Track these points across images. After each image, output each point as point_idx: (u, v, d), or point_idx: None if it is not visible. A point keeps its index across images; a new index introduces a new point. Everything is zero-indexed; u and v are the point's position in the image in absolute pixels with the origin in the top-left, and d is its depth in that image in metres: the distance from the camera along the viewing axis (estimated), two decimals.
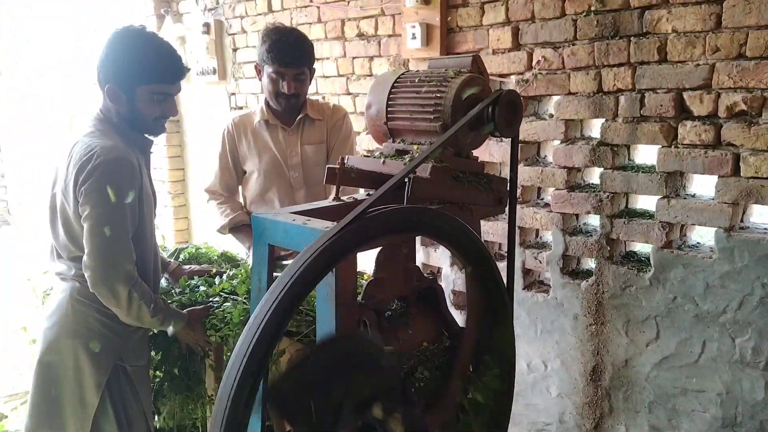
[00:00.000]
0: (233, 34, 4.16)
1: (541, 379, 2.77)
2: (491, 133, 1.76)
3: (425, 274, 1.85)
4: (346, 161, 1.84)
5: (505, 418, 1.84)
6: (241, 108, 4.23)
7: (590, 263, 2.66)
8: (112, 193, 1.87)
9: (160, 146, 4.93)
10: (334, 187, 1.75)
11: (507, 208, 1.94)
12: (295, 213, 1.64)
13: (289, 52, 2.48)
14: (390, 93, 1.86)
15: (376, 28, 3.17)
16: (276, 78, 2.55)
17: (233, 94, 4.29)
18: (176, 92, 2.07)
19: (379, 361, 1.36)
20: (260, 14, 3.89)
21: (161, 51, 1.99)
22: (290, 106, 2.64)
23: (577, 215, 2.64)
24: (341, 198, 1.79)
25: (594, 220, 2.65)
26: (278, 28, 2.56)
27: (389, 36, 3.12)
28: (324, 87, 3.52)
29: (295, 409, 1.21)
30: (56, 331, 2.04)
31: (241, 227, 2.71)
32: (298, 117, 2.68)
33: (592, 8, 2.33)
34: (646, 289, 2.36)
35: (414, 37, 2.85)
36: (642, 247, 2.51)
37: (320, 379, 1.22)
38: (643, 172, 2.32)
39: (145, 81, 1.97)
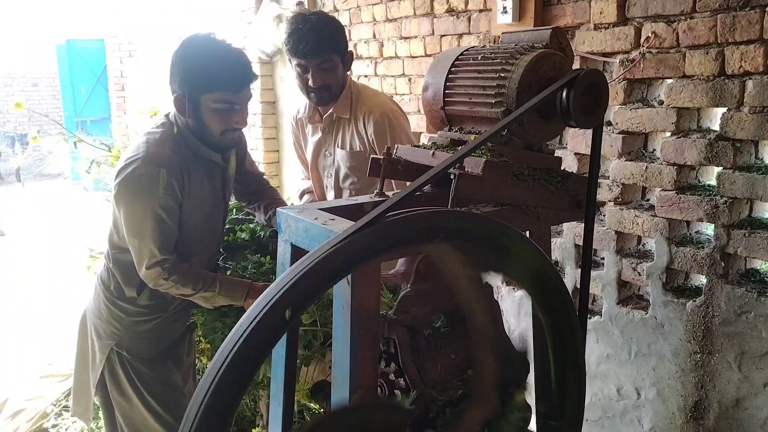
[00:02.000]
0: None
1: (632, 408, 2.39)
2: (567, 122, 1.44)
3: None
4: (394, 151, 1.60)
5: None
6: None
7: (700, 280, 2.24)
8: (135, 205, 1.88)
9: (255, 127, 4.92)
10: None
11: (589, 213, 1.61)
12: (323, 209, 1.42)
13: (306, 41, 2.18)
14: (449, 73, 1.59)
15: (467, 3, 2.87)
16: (301, 71, 2.29)
17: None
18: (243, 102, 1.95)
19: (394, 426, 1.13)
20: None
21: (226, 57, 1.89)
22: (321, 100, 2.35)
23: (687, 222, 2.22)
24: (385, 193, 1.55)
25: (707, 229, 2.22)
26: (297, 14, 2.28)
27: (480, 11, 2.81)
28: (410, 68, 3.27)
29: None
30: (87, 301, 2.20)
31: None
32: (327, 113, 2.42)
33: None
34: None
35: (505, 11, 2.53)
36: (766, 266, 2.06)
37: None
38: None
39: (208, 89, 1.88)
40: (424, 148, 1.56)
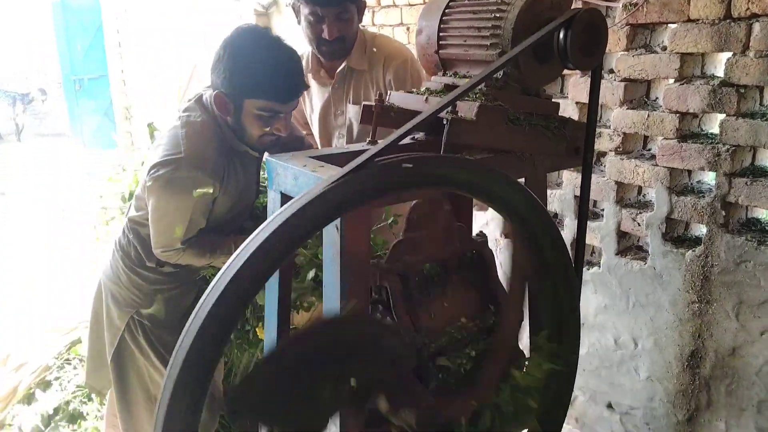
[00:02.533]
0: None
1: (629, 357, 2.40)
2: (564, 65, 1.39)
3: (474, 236, 1.55)
4: (386, 98, 1.56)
5: (563, 402, 1.54)
6: None
7: (699, 230, 2.22)
8: (169, 203, 1.80)
9: None
10: None
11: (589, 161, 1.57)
12: (313, 157, 1.39)
13: None
14: (443, 15, 1.53)
15: None
16: (314, 21, 2.11)
17: None
18: (288, 110, 1.81)
19: (384, 346, 1.11)
20: None
21: (279, 63, 1.73)
22: (335, 53, 2.19)
23: (688, 171, 2.19)
24: (377, 141, 1.51)
25: (709, 179, 2.19)
26: None
27: None
28: (408, 17, 3.18)
29: (268, 409, 0.99)
30: (104, 268, 2.11)
31: None
32: (340, 68, 2.25)
33: None
34: (767, 267, 1.90)
35: None
36: (766, 215, 2.03)
37: (297, 373, 0.99)
38: None
39: (254, 95, 1.74)
40: (418, 94, 1.52)
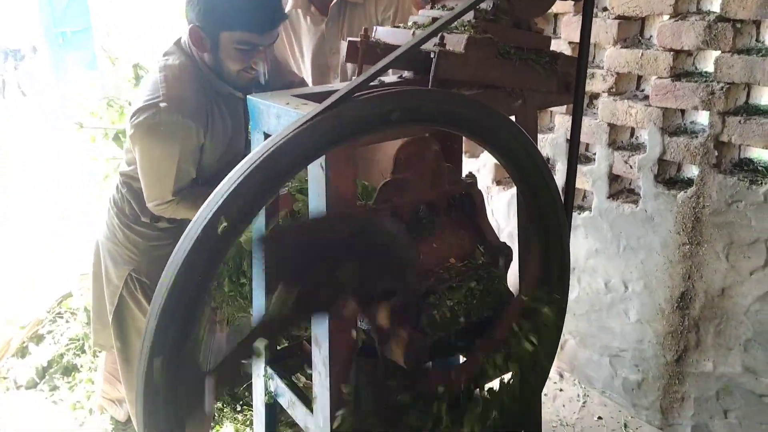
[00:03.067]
0: None
1: (619, 300, 2.41)
2: None
3: (464, 178, 1.52)
4: (372, 33, 1.50)
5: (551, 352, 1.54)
6: None
7: (692, 171, 2.20)
8: (153, 150, 1.73)
9: None
10: None
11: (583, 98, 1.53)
12: (296, 95, 1.34)
13: None
14: None
15: None
16: None
17: None
18: (267, 43, 1.74)
19: (402, 261, 1.10)
20: None
21: None
22: None
23: (681, 111, 2.15)
24: None
25: (702, 119, 2.15)
26: None
27: None
28: None
29: (292, 265, 0.98)
30: (99, 227, 2.08)
31: None
32: (335, 1, 2.15)
33: None
34: (759, 206, 1.89)
35: None
36: (760, 154, 2.01)
37: (327, 250, 0.99)
38: None
39: (230, 27, 1.66)
40: (405, 28, 1.46)
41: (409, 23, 1.49)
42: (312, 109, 1.10)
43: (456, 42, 1.29)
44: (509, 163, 1.29)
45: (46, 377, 2.81)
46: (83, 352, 2.89)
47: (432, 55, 1.26)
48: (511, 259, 1.49)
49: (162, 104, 1.70)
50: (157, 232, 1.96)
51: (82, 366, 2.84)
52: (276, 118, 1.28)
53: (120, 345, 2.09)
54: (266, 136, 1.35)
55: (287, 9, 2.23)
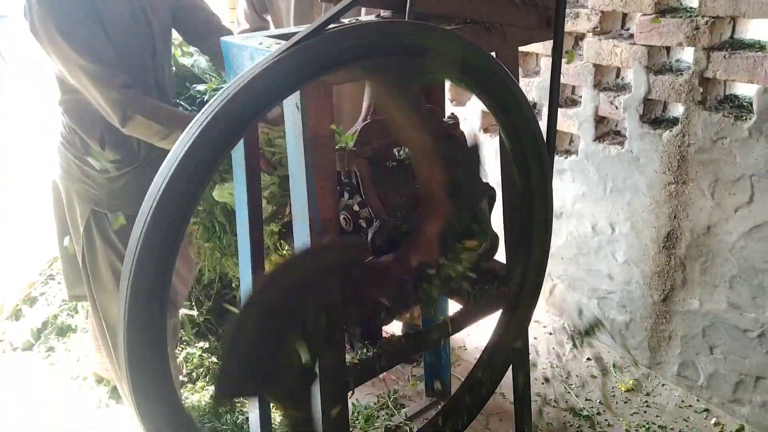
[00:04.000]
0: None
1: (606, 243, 2.42)
2: None
3: (446, 119, 1.51)
4: None
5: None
6: None
7: (677, 110, 2.18)
8: (58, 28, 1.66)
9: None
10: None
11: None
12: (271, 36, 1.32)
13: None
14: None
15: None
16: None
17: None
18: None
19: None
20: None
21: None
22: None
23: (667, 49, 2.12)
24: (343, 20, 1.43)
25: (688, 56, 2.13)
26: None
27: None
28: None
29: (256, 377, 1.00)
30: (53, 168, 2.02)
31: None
32: None
33: None
34: (743, 142, 1.89)
35: None
36: (744, 89, 1.99)
37: (272, 321, 0.99)
38: None
39: None
40: None
41: None
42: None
43: None
44: (489, 99, 1.28)
45: (41, 338, 2.82)
46: (76, 312, 2.90)
47: None
48: (494, 200, 1.49)
49: None
50: (108, 163, 1.93)
51: (76, 326, 2.85)
52: (250, 59, 1.25)
53: (95, 287, 2.06)
54: None
55: None
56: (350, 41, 1.03)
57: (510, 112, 1.28)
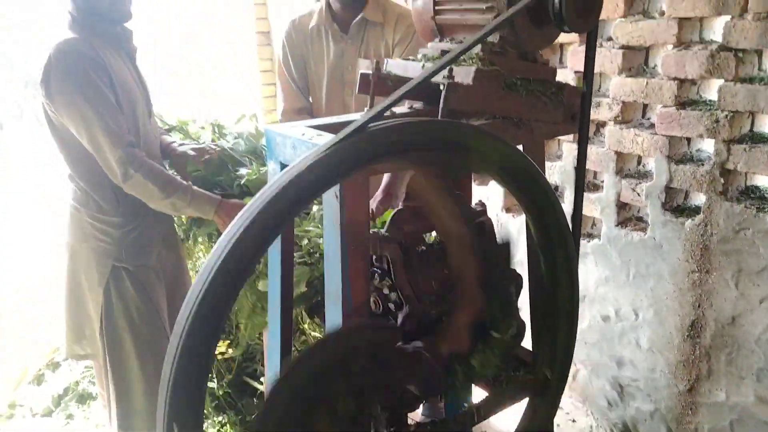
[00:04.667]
0: None
1: (630, 329, 2.41)
2: (559, 27, 1.39)
3: (474, 206, 1.56)
4: (383, 65, 1.55)
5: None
6: None
7: (699, 199, 2.21)
8: (77, 89, 1.86)
9: (251, 61, 4.82)
10: None
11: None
12: (312, 126, 1.39)
13: None
14: None
15: None
16: None
17: None
18: None
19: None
20: None
21: None
22: (352, 1, 2.27)
23: (687, 140, 2.18)
24: None
25: (708, 147, 2.18)
26: None
27: None
28: None
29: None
30: (65, 232, 2.14)
31: None
32: (356, 19, 2.31)
33: None
34: (766, 234, 1.91)
35: None
36: (765, 182, 2.03)
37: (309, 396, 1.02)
38: None
39: None
40: (414, 60, 1.51)
41: (419, 56, 1.55)
42: (329, 139, 1.15)
43: (464, 74, 1.34)
44: (517, 191, 1.32)
45: (61, 405, 2.83)
46: None
47: (441, 87, 1.30)
48: (521, 288, 1.51)
49: (53, 48, 1.87)
50: (123, 218, 2.07)
51: (97, 394, 2.85)
52: (292, 148, 1.33)
53: (108, 345, 2.12)
54: (282, 165, 1.40)
55: (311, 25, 2.41)
56: (393, 137, 1.09)
57: (541, 209, 1.33)
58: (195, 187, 2.03)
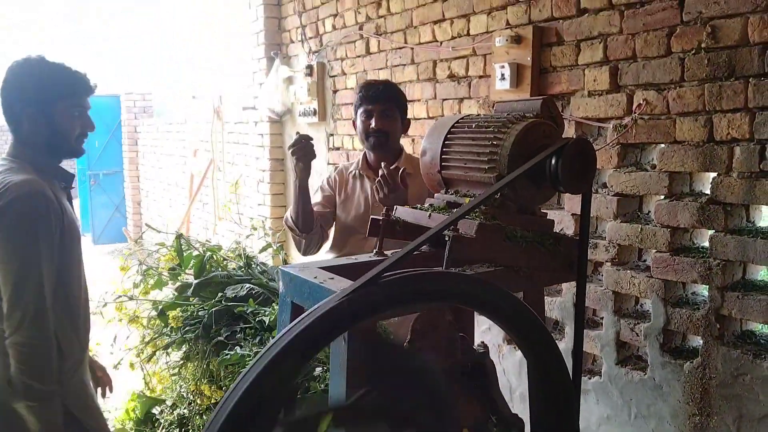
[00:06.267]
0: (334, 76, 4.17)
1: None
2: (556, 188, 1.51)
3: (476, 347, 1.61)
4: (393, 212, 1.67)
5: None
6: (338, 149, 4.20)
7: (697, 341, 2.26)
8: (23, 232, 1.87)
9: (264, 183, 5.03)
10: None
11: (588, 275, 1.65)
12: (323, 268, 1.48)
13: (376, 88, 2.55)
14: (446, 138, 1.67)
15: (467, 69, 3.00)
16: (365, 117, 2.55)
17: (331, 134, 4.28)
18: (89, 107, 2.12)
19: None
20: (359, 56, 3.86)
21: (70, 69, 2.07)
22: (379, 144, 2.54)
23: (682, 283, 2.26)
24: (385, 252, 1.61)
25: (703, 290, 2.25)
26: (371, 79, 2.60)
27: (480, 77, 2.93)
28: (413, 130, 3.38)
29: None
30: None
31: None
32: (393, 166, 2.49)
33: (703, 45, 2.01)
34: (765, 381, 1.94)
35: (503, 78, 2.65)
36: (761, 327, 2.08)
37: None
38: (763, 237, 1.93)
39: (64, 96, 2.02)
40: (422, 210, 1.63)
41: (426, 205, 1.67)
42: (339, 284, 1.23)
43: (468, 227, 1.44)
44: (517, 337, 1.39)
45: None
46: None
47: (447, 238, 1.40)
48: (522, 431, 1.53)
49: (12, 185, 1.88)
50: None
51: None
52: (306, 289, 1.40)
53: None
54: (293, 305, 1.47)
55: (350, 170, 2.70)
56: (406, 288, 1.17)
57: (539, 354, 1.38)
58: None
